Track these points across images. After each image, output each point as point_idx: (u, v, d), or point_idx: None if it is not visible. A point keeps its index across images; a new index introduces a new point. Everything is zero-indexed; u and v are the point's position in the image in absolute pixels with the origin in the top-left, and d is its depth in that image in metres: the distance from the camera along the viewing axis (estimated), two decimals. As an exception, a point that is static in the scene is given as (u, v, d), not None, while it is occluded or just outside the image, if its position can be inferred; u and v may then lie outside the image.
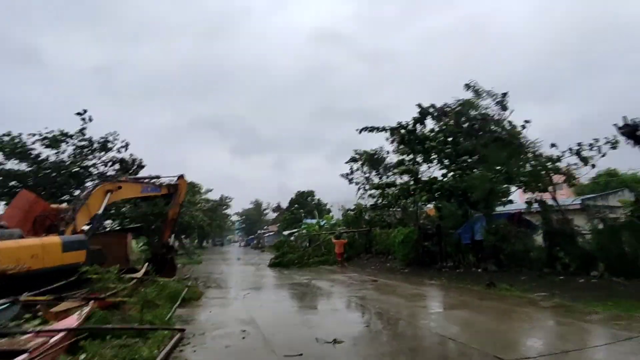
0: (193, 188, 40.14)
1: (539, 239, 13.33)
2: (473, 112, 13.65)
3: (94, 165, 21.13)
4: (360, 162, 22.87)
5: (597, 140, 12.07)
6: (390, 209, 22.90)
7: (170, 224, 16.37)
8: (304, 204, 61.24)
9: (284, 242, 30.86)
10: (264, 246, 57.94)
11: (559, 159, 12.46)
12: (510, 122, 13.37)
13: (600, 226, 10.86)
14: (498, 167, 12.56)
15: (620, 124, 12.68)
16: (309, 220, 44.81)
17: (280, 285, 14.14)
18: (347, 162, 22.01)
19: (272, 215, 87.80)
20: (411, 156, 15.99)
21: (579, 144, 12.33)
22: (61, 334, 5.51)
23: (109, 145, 21.42)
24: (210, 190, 57.40)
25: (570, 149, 12.40)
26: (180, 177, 16.79)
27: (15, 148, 18.43)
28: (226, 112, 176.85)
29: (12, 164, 18.90)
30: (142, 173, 21.97)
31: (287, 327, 7.13)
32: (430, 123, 15.66)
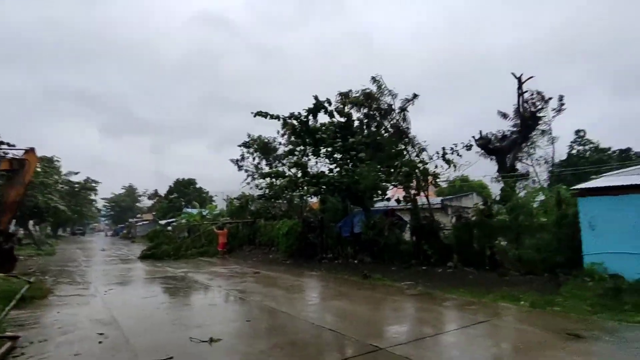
0: (49, 165, 33.83)
1: (407, 233, 14.80)
2: (374, 105, 14.25)
3: None
4: (252, 149, 22.18)
5: (456, 145, 13.86)
6: (277, 201, 22.82)
7: (11, 208, 13.34)
8: (185, 192, 57.44)
9: (160, 232, 28.40)
10: (136, 236, 52.47)
11: (428, 162, 13.90)
12: (404, 121, 14.26)
13: (457, 223, 12.51)
14: (379, 166, 13.41)
15: (477, 137, 14.87)
16: (189, 210, 42.13)
17: (151, 280, 12.76)
18: (239, 146, 21.14)
19: (147, 203, 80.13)
20: (301, 148, 16.07)
21: (444, 148, 13.98)
22: None
23: None
24: (76, 173, 49.41)
25: (437, 152, 13.97)
26: (29, 150, 13.80)
27: None
28: (99, 86, 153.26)
29: None
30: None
31: (157, 327, 6.31)
32: (323, 118, 15.95)
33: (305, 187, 15.22)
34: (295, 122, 14.95)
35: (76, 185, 51.09)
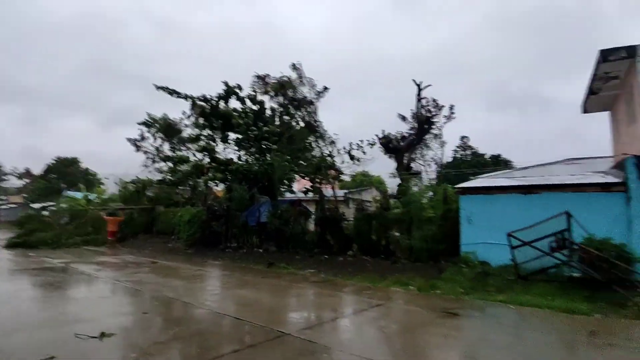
0: None
1: (312, 224, 15.34)
2: (291, 93, 14.17)
3: None
4: (154, 129, 20.39)
5: (362, 141, 14.79)
6: (179, 187, 21.55)
7: None
8: (66, 173, 50.62)
9: (33, 217, 24.56)
10: (0, 222, 44.58)
11: (335, 156, 14.57)
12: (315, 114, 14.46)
13: (358, 215, 13.38)
14: (289, 157, 13.60)
15: (380, 135, 16.01)
16: (72, 193, 37.24)
17: (24, 271, 11.05)
18: (139, 124, 19.29)
19: (16, 183, 68.41)
20: (209, 131, 15.36)
21: (350, 144, 14.79)
22: None
23: None
24: None
25: (344, 148, 14.72)
26: None
27: None
28: None
29: None
30: None
31: (33, 325, 5.54)
32: (235, 104, 15.48)
33: (212, 174, 14.63)
34: (205, 104, 14.23)
35: None
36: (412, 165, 17.00)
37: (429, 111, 16.44)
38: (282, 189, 16.99)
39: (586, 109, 12.22)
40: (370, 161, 14.83)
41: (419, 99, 15.81)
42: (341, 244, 12.94)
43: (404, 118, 18.15)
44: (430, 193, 13.23)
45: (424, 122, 16.03)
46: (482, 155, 39.28)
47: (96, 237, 20.00)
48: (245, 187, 17.29)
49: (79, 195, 33.33)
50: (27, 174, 61.68)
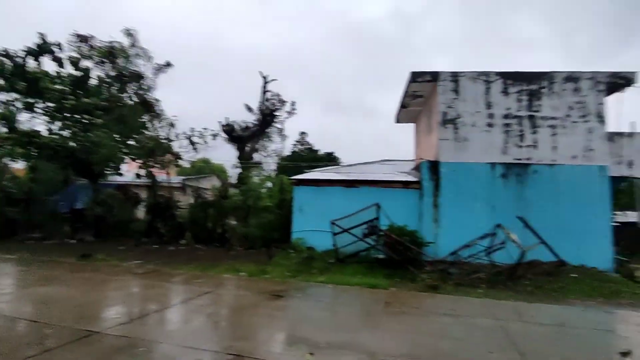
0: None
1: (142, 211, 14.03)
2: (123, 62, 12.28)
3: None
4: None
5: (205, 129, 14.30)
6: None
7: None
8: None
9: None
10: None
11: (173, 140, 13.63)
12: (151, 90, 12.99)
13: (195, 203, 12.91)
14: (118, 135, 12.02)
15: (224, 122, 15.75)
16: None
17: None
18: None
19: None
20: (12, 95, 12.22)
21: (192, 130, 14.10)
22: None
23: None
24: None
25: (185, 133, 13.93)
26: None
27: None
28: None
29: None
30: None
31: None
32: (49, 65, 12.70)
33: (10, 147, 11.72)
34: (6, 60, 11.24)
35: None
36: (254, 155, 17.36)
37: (273, 104, 17.05)
38: (107, 172, 14.94)
39: (398, 120, 14.75)
40: (211, 148, 14.45)
41: (264, 92, 16.21)
42: (174, 232, 12.27)
43: (250, 109, 18.35)
44: (269, 183, 13.78)
45: (267, 115, 16.54)
46: (317, 151, 42.87)
47: None
48: (58, 166, 14.44)
49: None
50: None
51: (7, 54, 11.53)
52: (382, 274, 8.65)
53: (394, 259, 9.24)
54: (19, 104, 12.70)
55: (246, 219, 12.51)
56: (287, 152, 33.74)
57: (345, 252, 9.85)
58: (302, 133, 43.58)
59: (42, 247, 11.99)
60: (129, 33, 12.37)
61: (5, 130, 12.13)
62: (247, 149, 16.72)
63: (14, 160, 15.97)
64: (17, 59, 11.58)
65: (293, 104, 17.72)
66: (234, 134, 15.83)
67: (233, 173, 17.83)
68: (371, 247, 9.88)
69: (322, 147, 43.54)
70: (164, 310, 5.79)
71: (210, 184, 23.15)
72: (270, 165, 18.42)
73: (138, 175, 14.28)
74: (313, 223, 11.04)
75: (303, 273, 8.61)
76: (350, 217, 10.11)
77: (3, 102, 12.56)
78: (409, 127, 15.41)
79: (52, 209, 13.80)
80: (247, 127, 16.91)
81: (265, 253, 10.70)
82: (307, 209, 11.18)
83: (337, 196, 11.18)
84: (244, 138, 16.09)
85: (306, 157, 36.86)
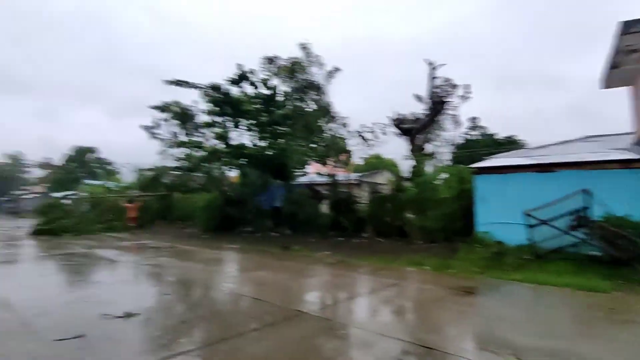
0: None
1: (325, 207, 15.45)
2: (301, 75, 13.95)
3: None
4: (168, 114, 20.49)
5: (375, 124, 14.70)
6: (194, 173, 21.81)
7: None
8: (84, 162, 51.74)
9: (55, 206, 25.30)
10: (23, 211, 46.11)
11: (348, 139, 14.49)
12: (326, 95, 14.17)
13: (372, 198, 13.42)
14: (302, 140, 13.59)
15: (393, 116, 15.85)
16: (91, 182, 38.21)
17: (49, 257, 11.49)
18: (152, 108, 19.46)
19: (37, 174, 70.39)
20: (221, 118, 15.46)
21: (362, 126, 14.71)
22: None
23: None
24: None
25: (357, 131, 14.63)
26: None
27: None
28: None
29: None
30: None
31: (61, 307, 5.79)
32: (247, 88, 15.46)
33: (226, 159, 14.76)
34: (216, 93, 14.26)
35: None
36: (426, 146, 16.86)
37: (445, 90, 16.17)
38: (296, 173, 17.08)
39: (607, 84, 11.80)
40: (382, 143, 14.74)
41: (432, 79, 15.53)
42: (355, 226, 13.03)
43: (419, 98, 17.91)
44: (444, 174, 13.13)
45: (438, 103, 15.80)
46: (492, 135, 38.56)
47: (116, 223, 20.55)
48: (259, 172, 17.45)
49: (97, 183, 34.22)
50: (48, 164, 63.31)
51: (214, 87, 14.53)
52: (599, 274, 7.06)
53: (614, 256, 7.45)
54: (229, 124, 15.87)
55: (424, 211, 12.27)
56: (460, 139, 31.62)
57: (545, 247, 8.48)
58: (474, 118, 40.04)
59: (252, 239, 14.61)
60: (303, 47, 13.73)
61: (222, 146, 15.35)
62: (418, 140, 16.36)
63: (230, 170, 20.08)
64: (222, 90, 14.44)
65: (467, 87, 16.41)
66: (404, 127, 15.75)
67: (405, 166, 17.78)
68: (581, 241, 8.21)
69: (499, 131, 39.02)
70: (355, 298, 6.19)
71: (383, 179, 23.74)
72: (444, 154, 17.59)
73: (320, 175, 15.79)
74: (498, 214, 9.92)
75: (493, 269, 7.83)
76: (548, 207, 8.64)
77: (218, 124, 15.89)
78: (620, 93, 12.14)
79: (257, 207, 16.68)
80: (417, 118, 16.56)
81: (447, 247, 10.23)
82: (492, 199, 10.11)
83: (528, 183, 9.73)
84: (415, 129, 15.80)
85: (483, 143, 33.70)
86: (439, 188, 11.92)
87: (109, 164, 53.68)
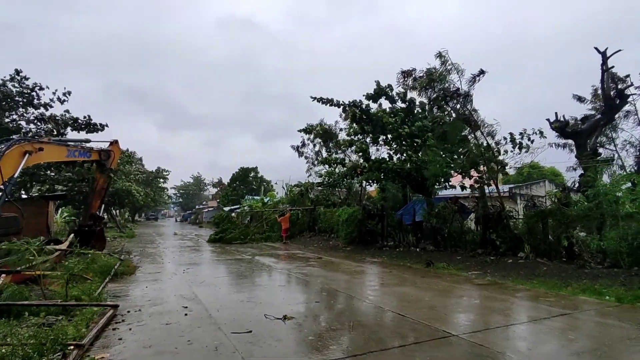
0: (128, 157, 37.25)
1: (470, 222, 14.25)
2: (439, 85, 13.45)
3: (13, 121, 18.73)
4: (312, 135, 22.43)
5: (525, 130, 12.96)
6: (336, 189, 23.06)
7: (100, 194, 14.97)
8: (246, 180, 59.95)
9: (225, 218, 30.02)
10: (203, 222, 56.12)
11: (496, 147, 13.08)
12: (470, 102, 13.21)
13: (530, 212, 11.78)
14: (442, 152, 12.90)
15: (553, 119, 13.77)
16: (251, 197, 44.04)
17: (222, 261, 13.65)
18: (299, 131, 21.53)
19: (212, 191, 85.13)
20: (360, 135, 15.98)
21: (511, 134, 13.11)
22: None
23: (36, 99, 19.09)
24: (140, 159, 53.76)
25: (505, 138, 13.12)
26: (114, 142, 15.34)
27: None
28: (153, 87, 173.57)
29: None
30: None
31: (233, 304, 6.80)
32: (384, 104, 15.70)
33: (367, 174, 15.13)
34: (356, 109, 14.85)
35: (149, 173, 55.46)
36: (599, 151, 14.05)
37: (621, 82, 13.31)
38: (437, 186, 16.33)
39: None
40: (540, 150, 12.82)
41: (605, 70, 12.94)
42: (509, 244, 11.61)
43: (580, 99, 15.26)
44: (628, 183, 10.68)
45: (613, 98, 13.04)
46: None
47: (271, 234, 23.16)
48: (399, 186, 17.33)
49: (256, 198, 39.27)
50: (219, 182, 75.88)
51: (354, 104, 15.07)
52: None
53: None
54: (368, 140, 16.27)
55: (599, 229, 10.18)
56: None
57: None
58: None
59: (394, 254, 14.45)
60: (440, 55, 13.09)
61: (363, 161, 15.80)
62: (588, 144, 13.75)
63: (369, 184, 20.51)
64: (362, 106, 14.87)
65: (654, 74, 13.11)
66: (567, 130, 13.44)
67: (571, 175, 15.10)
68: None
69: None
70: (512, 325, 5.47)
71: (542, 190, 20.70)
72: (624, 160, 14.32)
73: (462, 187, 14.72)
74: None
75: None
76: None
77: (358, 140, 16.44)
78: None
79: (398, 221, 16.48)
80: (584, 118, 13.97)
81: (638, 274, 8.22)
82: None
83: None
84: (582, 132, 13.31)
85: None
86: (621, 201, 9.72)
87: (267, 181, 60.90)
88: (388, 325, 5.63)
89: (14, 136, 12.99)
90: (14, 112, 18.83)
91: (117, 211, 46.21)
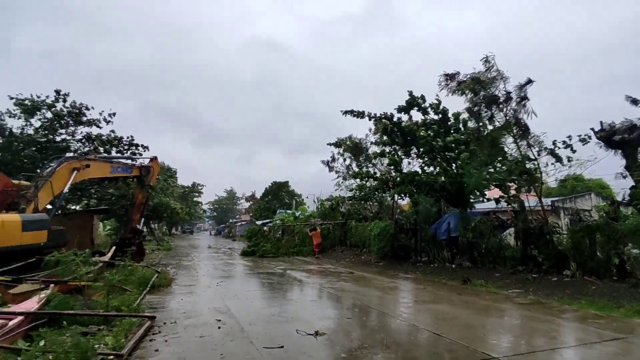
0: (166, 172, 38.81)
1: (508, 237, 13.59)
2: (484, 91, 12.67)
3: (64, 140, 20.03)
4: (342, 149, 22.43)
5: (570, 137, 12.28)
6: (367, 202, 22.81)
7: (140, 208, 15.64)
8: (278, 194, 60.64)
9: (257, 231, 30.42)
10: (236, 235, 57.10)
11: (538, 158, 12.48)
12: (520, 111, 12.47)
13: (575, 227, 11.11)
14: (481, 164, 12.41)
15: (599, 127, 13.05)
16: (283, 211, 44.43)
17: (255, 275, 13.77)
18: (329, 144, 21.59)
19: (245, 205, 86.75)
20: (391, 148, 15.78)
21: (554, 142, 12.45)
22: (19, 318, 5.03)
23: (84, 117, 20.37)
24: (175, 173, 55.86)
25: (546, 148, 12.46)
26: (154, 159, 16.07)
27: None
28: (183, 106, 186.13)
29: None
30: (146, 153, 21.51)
31: (265, 318, 6.81)
32: (415, 115, 15.45)
33: (399, 187, 14.84)
34: (387, 121, 14.71)
35: (186, 189, 57.42)
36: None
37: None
38: (473, 200, 15.77)
39: None
40: (586, 162, 12.08)
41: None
42: (552, 260, 10.97)
43: (635, 102, 14.26)
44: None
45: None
46: None
47: (302, 248, 23.19)
48: (432, 199, 16.89)
49: (288, 212, 39.59)
50: (252, 197, 77.25)
51: (386, 116, 14.92)
52: None
53: None
54: (400, 152, 16.04)
55: (655, 246, 9.43)
56: None
57: None
58: None
59: (428, 269, 14.01)
60: (486, 60, 12.48)
61: (394, 174, 15.57)
62: (636, 154, 12.85)
63: (401, 198, 20.12)
64: (393, 119, 14.68)
65: None
66: (615, 139, 12.62)
67: (620, 187, 14.08)
68: None
69: None
70: (559, 349, 5.12)
71: (588, 203, 19.54)
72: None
73: (497, 201, 14.16)
74: None
75: None
76: None
77: (389, 153, 16.26)
78: None
79: (432, 236, 16.01)
80: (633, 126, 13.10)
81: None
82: None
83: None
84: (632, 140, 12.46)
85: None
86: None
87: (299, 195, 61.35)
88: (423, 345, 5.42)
89: (67, 154, 13.92)
90: (64, 131, 20.12)
91: (156, 224, 48.02)
